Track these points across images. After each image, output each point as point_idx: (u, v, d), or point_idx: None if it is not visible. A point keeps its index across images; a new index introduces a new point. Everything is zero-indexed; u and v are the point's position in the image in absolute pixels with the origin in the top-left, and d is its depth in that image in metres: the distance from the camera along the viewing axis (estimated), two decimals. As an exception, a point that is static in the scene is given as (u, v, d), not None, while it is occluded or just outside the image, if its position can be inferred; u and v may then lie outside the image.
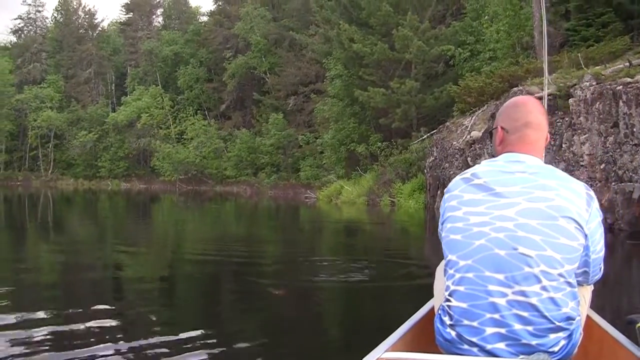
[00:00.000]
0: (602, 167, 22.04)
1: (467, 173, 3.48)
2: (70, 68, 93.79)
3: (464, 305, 3.26)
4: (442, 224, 3.49)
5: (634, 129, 20.68)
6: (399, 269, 12.91)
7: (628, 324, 3.45)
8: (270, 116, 67.11)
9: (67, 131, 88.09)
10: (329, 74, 51.87)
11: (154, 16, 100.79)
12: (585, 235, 3.23)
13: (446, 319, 3.35)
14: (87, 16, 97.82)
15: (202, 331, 7.16)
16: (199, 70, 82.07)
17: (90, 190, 71.42)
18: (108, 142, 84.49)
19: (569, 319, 3.20)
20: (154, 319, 8.17)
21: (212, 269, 12.98)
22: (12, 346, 6.43)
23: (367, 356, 3.22)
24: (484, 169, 3.44)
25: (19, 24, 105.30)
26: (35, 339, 6.70)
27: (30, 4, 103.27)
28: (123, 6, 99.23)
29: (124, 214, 36.38)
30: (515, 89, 26.41)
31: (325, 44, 51.69)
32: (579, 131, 22.93)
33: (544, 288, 3.13)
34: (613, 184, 21.78)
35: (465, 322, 3.25)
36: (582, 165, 22.70)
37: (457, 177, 3.53)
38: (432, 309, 3.86)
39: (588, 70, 23.94)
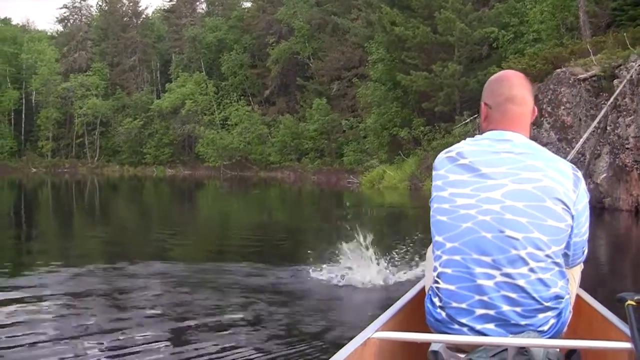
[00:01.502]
0: (648, 149, 21.46)
1: (453, 152, 3.38)
2: (115, 56, 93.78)
3: (452, 287, 3.24)
4: (430, 203, 3.42)
5: (681, 110, 20.08)
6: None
7: (618, 302, 3.34)
8: (313, 101, 66.88)
9: (112, 118, 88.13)
10: (371, 57, 51.47)
11: (197, 3, 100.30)
12: (572, 217, 3.19)
13: (436, 300, 3.33)
14: (131, 4, 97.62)
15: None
16: (243, 56, 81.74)
17: (136, 177, 71.88)
18: (153, 129, 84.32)
19: (558, 298, 3.18)
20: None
21: (257, 259, 12.60)
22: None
23: (357, 336, 3.25)
24: (470, 148, 3.34)
25: (65, 12, 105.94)
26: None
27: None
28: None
29: (170, 201, 36.84)
30: (558, 70, 25.89)
31: (367, 28, 51.52)
32: (625, 113, 22.33)
33: (531, 270, 3.11)
34: (660, 167, 21.20)
35: (454, 304, 3.23)
36: (627, 148, 22.20)
37: (442, 155, 3.43)
38: (423, 289, 3.78)
39: (634, 50, 23.26)
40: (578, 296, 3.98)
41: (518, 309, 3.12)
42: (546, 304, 3.13)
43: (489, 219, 3.15)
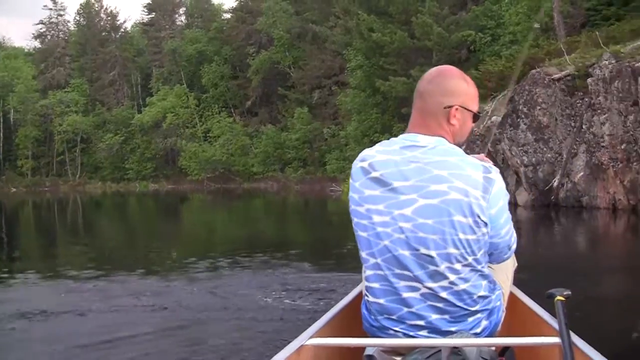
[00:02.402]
0: (623, 147, 21.60)
1: (366, 161, 3.23)
2: (95, 71, 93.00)
3: (380, 301, 3.22)
4: (350, 213, 3.31)
5: (655, 107, 20.13)
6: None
7: (547, 298, 3.35)
8: (295, 111, 66.98)
9: (93, 134, 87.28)
10: (350, 65, 51.65)
11: (176, 15, 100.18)
12: (486, 224, 3.08)
13: (369, 311, 3.32)
14: (109, 18, 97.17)
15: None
16: (223, 68, 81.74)
17: (119, 193, 71.35)
18: (135, 144, 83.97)
19: (485, 299, 3.19)
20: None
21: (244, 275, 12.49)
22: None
23: (291, 344, 3.21)
24: (380, 158, 3.20)
25: (41, 29, 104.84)
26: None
27: (51, 9, 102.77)
28: (145, 6, 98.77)
29: (154, 217, 36.32)
30: (533, 71, 25.91)
31: (346, 35, 51.48)
32: (599, 111, 22.41)
33: (452, 283, 3.09)
34: (634, 163, 21.31)
35: (384, 316, 3.22)
36: (602, 146, 22.28)
37: (358, 164, 3.28)
38: (361, 293, 3.74)
39: (607, 48, 23.34)
40: (512, 294, 4.05)
41: (447, 317, 3.14)
42: (473, 308, 3.15)
43: (404, 237, 3.11)
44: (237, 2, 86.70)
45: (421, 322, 3.15)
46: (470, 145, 28.35)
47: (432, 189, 3.05)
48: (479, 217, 3.04)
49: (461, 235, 3.04)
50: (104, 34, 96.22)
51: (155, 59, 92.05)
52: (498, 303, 3.31)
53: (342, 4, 49.32)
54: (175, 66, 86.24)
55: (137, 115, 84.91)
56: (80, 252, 18.13)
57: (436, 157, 3.11)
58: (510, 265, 3.79)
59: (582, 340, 3.13)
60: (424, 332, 3.16)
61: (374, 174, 3.17)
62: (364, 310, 3.38)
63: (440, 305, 3.12)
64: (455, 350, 2.92)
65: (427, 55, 42.79)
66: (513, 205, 26.12)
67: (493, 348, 3.06)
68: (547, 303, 3.40)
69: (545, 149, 24.81)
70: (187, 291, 10.26)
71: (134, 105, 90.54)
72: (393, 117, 46.32)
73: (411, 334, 3.18)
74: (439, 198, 3.04)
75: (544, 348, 3.41)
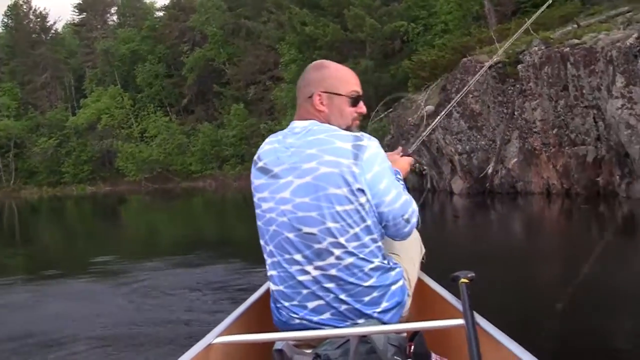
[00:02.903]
0: (554, 132, 21.77)
1: (257, 154, 3.47)
2: (26, 74, 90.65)
3: (280, 288, 3.36)
4: None
5: (584, 91, 20.35)
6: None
7: (452, 281, 3.47)
8: (231, 107, 66.66)
9: (26, 139, 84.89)
10: (284, 59, 51.47)
11: (107, 15, 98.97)
12: (363, 192, 3.19)
13: (275, 301, 3.43)
14: (38, 19, 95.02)
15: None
16: (158, 67, 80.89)
17: (56, 197, 70.17)
18: (70, 147, 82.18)
19: (378, 272, 3.27)
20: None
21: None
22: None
23: (198, 343, 3.21)
24: (267, 148, 3.44)
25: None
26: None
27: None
28: (75, 7, 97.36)
29: (90, 221, 35.90)
30: (464, 59, 25.99)
31: (279, 30, 51.27)
32: (530, 97, 22.58)
33: (338, 258, 3.19)
34: (566, 148, 21.49)
35: (287, 303, 3.33)
36: (535, 132, 22.44)
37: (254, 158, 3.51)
38: (269, 289, 3.69)
39: (536, 35, 23.48)
40: (420, 280, 4.10)
41: (342, 296, 3.23)
42: (366, 283, 3.23)
43: (287, 219, 3.25)
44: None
45: (321, 302, 3.24)
46: (405, 135, 28.48)
47: (304, 167, 3.21)
48: (354, 185, 3.14)
49: (338, 208, 3.15)
50: (34, 35, 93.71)
51: (88, 59, 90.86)
52: (400, 283, 3.38)
53: (274, -1, 49.10)
54: (109, 66, 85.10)
55: (72, 118, 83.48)
56: (13, 257, 17.89)
57: (308, 138, 3.28)
58: (416, 251, 3.95)
59: (485, 321, 3.22)
60: (326, 316, 3.25)
61: (260, 164, 3.39)
62: (271, 303, 3.49)
63: (332, 284, 3.21)
64: (364, 339, 3.00)
65: (361, 47, 42.67)
66: (449, 193, 26.26)
67: (404, 334, 3.14)
68: (453, 286, 3.48)
69: (478, 136, 24.91)
70: (110, 293, 10.19)
71: (67, 107, 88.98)
72: (328, 110, 46.19)
73: (315, 319, 3.26)
74: (311, 175, 3.19)
75: (451, 330, 3.45)
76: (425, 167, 28.43)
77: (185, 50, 76.19)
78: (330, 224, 3.16)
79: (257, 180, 3.39)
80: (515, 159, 23.63)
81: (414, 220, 3.43)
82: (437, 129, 26.20)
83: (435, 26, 40.18)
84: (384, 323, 3.27)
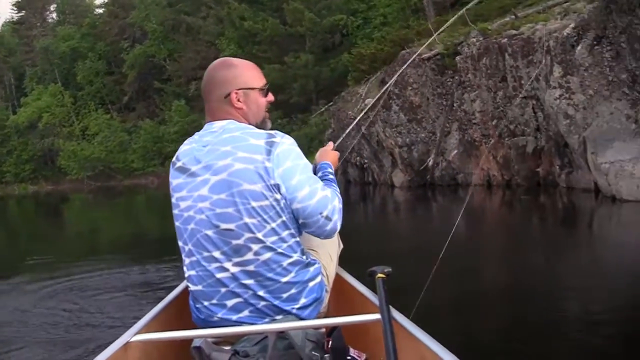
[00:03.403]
0: (494, 123, 21.77)
1: (175, 155, 3.48)
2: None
3: (199, 287, 3.32)
4: None
5: (522, 82, 20.34)
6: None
7: (369, 276, 3.50)
8: (173, 104, 65.90)
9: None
10: (223, 54, 51.06)
11: (47, 12, 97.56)
12: (278, 186, 3.20)
13: (194, 300, 3.40)
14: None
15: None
16: (98, 64, 79.98)
17: (-2, 197, 69.40)
18: (11, 146, 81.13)
19: (297, 268, 3.29)
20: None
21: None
22: None
23: (116, 341, 3.16)
24: (185, 148, 3.45)
25: None
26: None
27: None
28: (14, 5, 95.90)
29: (31, 221, 35.41)
30: (403, 51, 25.94)
31: (218, 25, 51.02)
32: (469, 88, 22.58)
33: (256, 253, 3.19)
34: (506, 139, 21.50)
35: (206, 302, 3.31)
36: (474, 123, 22.44)
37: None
38: (187, 288, 3.65)
39: (475, 26, 23.47)
40: (339, 275, 4.12)
41: (261, 293, 3.23)
42: (284, 278, 3.24)
43: (204, 216, 3.25)
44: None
45: (239, 300, 3.25)
46: (345, 129, 28.36)
47: (219, 164, 3.21)
48: (267, 181, 3.17)
49: (254, 204, 3.16)
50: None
51: (28, 58, 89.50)
52: (318, 279, 3.40)
53: (213, -6, 48.81)
54: (49, 65, 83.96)
55: (12, 117, 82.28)
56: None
57: (224, 136, 3.30)
58: (333, 246, 3.95)
59: (402, 315, 3.25)
60: (245, 314, 3.26)
61: (178, 164, 3.39)
62: (190, 302, 3.45)
63: (251, 281, 3.22)
64: (282, 335, 3.02)
65: (300, 41, 42.69)
66: (390, 186, 26.17)
67: (322, 330, 3.16)
68: (369, 281, 3.53)
69: (418, 129, 24.86)
70: (34, 294, 10.01)
71: (8, 106, 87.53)
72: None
73: (234, 317, 3.26)
74: (226, 172, 3.19)
75: (369, 325, 3.50)
76: (365, 161, 28.34)
77: (125, 47, 75.24)
78: (247, 220, 3.17)
79: (175, 180, 3.39)
80: (455, 151, 23.61)
81: (336, 217, 3.36)
82: (376, 122, 26.14)
83: (374, 19, 40.20)
84: (302, 319, 3.27)
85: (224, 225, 3.20)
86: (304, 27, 41.20)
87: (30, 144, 79.32)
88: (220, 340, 3.19)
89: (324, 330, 3.17)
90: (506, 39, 20.93)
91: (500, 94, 21.39)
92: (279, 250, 3.22)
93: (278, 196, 3.20)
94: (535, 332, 6.62)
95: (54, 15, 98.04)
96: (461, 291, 8.47)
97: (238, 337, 3.15)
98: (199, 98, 45.21)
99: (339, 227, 3.42)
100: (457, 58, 23.00)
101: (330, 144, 4.17)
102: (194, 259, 3.32)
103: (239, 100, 3.42)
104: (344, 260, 4.11)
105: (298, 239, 3.34)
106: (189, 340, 3.11)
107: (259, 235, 3.18)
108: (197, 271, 3.32)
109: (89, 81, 79.61)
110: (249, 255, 3.20)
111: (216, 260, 3.24)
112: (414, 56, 22.01)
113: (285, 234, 3.25)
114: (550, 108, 18.48)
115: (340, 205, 3.41)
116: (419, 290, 5.34)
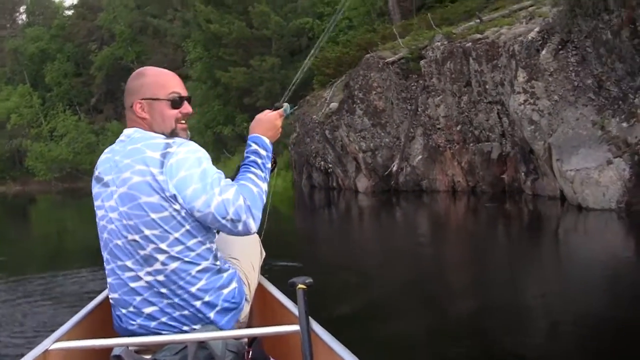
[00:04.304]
0: (458, 128, 21.56)
1: (96, 163, 3.51)
2: None
3: (116, 295, 3.36)
4: None
5: (487, 86, 20.15)
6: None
7: (290, 287, 3.53)
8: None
9: None
10: (190, 57, 51.01)
11: (16, 14, 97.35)
12: (175, 197, 3.16)
13: (113, 305, 3.43)
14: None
15: None
16: (67, 65, 79.88)
17: (-36, 197, 68.79)
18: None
19: (206, 275, 3.27)
20: None
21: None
22: None
23: (34, 349, 3.14)
24: (102, 157, 3.46)
25: None
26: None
27: None
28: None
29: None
30: (367, 55, 25.70)
31: (185, 27, 50.83)
32: (433, 93, 22.39)
33: (163, 263, 3.20)
34: (471, 145, 21.25)
35: (123, 310, 3.33)
36: (439, 129, 22.23)
37: None
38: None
39: (439, 30, 23.23)
40: (261, 286, 4.23)
41: (174, 300, 3.24)
42: (194, 287, 3.23)
43: (114, 226, 3.28)
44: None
45: (154, 309, 3.25)
46: (310, 133, 28.08)
47: (122, 177, 3.23)
48: (163, 192, 3.15)
49: (153, 215, 3.16)
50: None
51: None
52: (233, 286, 3.39)
53: (179, -4, 48.54)
54: (18, 65, 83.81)
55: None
56: None
57: (128, 147, 3.30)
58: (255, 255, 4.01)
59: (320, 327, 3.30)
60: (163, 320, 3.26)
61: (96, 173, 3.45)
62: (113, 310, 3.46)
63: (164, 289, 3.23)
64: (203, 345, 3.07)
65: (267, 44, 42.40)
66: (354, 192, 25.87)
67: (244, 340, 3.25)
68: (290, 292, 3.57)
69: (382, 133, 24.56)
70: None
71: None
72: (235, 108, 45.85)
73: (152, 325, 3.27)
74: (127, 184, 3.20)
75: (289, 336, 3.53)
76: (330, 165, 28.00)
77: (93, 49, 75.23)
78: (148, 232, 3.18)
79: (93, 189, 3.44)
80: (420, 157, 23.33)
81: (244, 217, 3.21)
82: (340, 127, 25.81)
83: (340, 23, 39.95)
84: (220, 327, 3.29)
85: (130, 237, 3.22)
86: (270, 30, 40.92)
87: (-2, 144, 78.93)
88: (142, 349, 3.21)
89: (245, 340, 3.25)
90: (470, 43, 20.70)
91: (465, 99, 21.15)
92: (186, 259, 3.22)
93: (177, 206, 3.17)
94: (493, 344, 6.40)
95: (24, 16, 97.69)
96: (403, 301, 8.23)
97: (159, 346, 3.16)
98: (164, 101, 45.43)
99: (254, 224, 3.27)
100: (422, 62, 22.77)
101: (278, 112, 3.91)
102: (110, 266, 3.37)
103: (142, 110, 3.40)
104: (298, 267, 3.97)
105: (209, 245, 3.32)
106: (110, 349, 3.13)
107: (163, 245, 3.18)
108: (113, 279, 3.36)
109: (57, 82, 79.57)
110: (157, 265, 3.21)
111: (129, 269, 3.27)
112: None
113: (191, 242, 3.23)
114: (515, 113, 18.19)
115: (250, 203, 3.24)
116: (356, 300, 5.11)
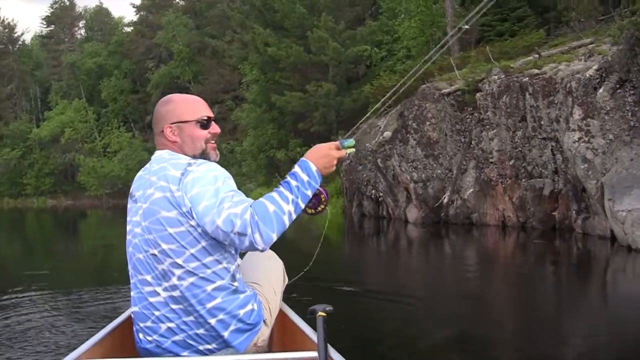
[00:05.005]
0: (511, 163, 21.36)
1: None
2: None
3: (137, 309, 3.51)
4: None
5: (542, 122, 19.98)
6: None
7: (310, 315, 3.53)
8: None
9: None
10: (246, 79, 51.32)
11: (76, 28, 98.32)
12: (190, 212, 3.30)
13: (133, 320, 3.59)
14: (6, 30, 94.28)
15: None
16: (123, 82, 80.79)
17: (16, 209, 69.58)
18: (32, 159, 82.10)
19: (223, 294, 3.41)
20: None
21: None
22: None
23: None
24: (138, 175, 3.69)
25: None
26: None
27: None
28: (43, 19, 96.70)
29: (52, 233, 35.14)
30: (423, 85, 25.60)
31: (243, 49, 51.07)
32: (487, 127, 22.23)
33: (180, 278, 3.35)
34: (523, 180, 21.07)
35: (142, 324, 3.49)
36: (491, 162, 22.03)
37: None
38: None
39: (497, 63, 23.11)
40: (283, 312, 4.29)
41: (189, 318, 3.38)
42: (210, 304, 3.38)
43: (137, 241, 3.46)
44: (137, 15, 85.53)
45: (171, 325, 3.40)
46: (362, 161, 28.01)
47: (147, 193, 3.44)
48: (180, 207, 3.31)
49: (170, 230, 3.33)
50: (0, 46, 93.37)
51: (54, 72, 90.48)
52: (249, 307, 3.53)
53: (238, 19, 48.70)
54: (75, 80, 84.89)
55: (35, 130, 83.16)
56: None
57: (154, 167, 3.53)
58: (278, 281, 4.15)
59: (338, 354, 3.34)
60: (177, 338, 3.40)
61: (131, 191, 3.65)
62: (134, 328, 3.61)
63: (179, 306, 3.38)
64: None
65: (324, 70, 42.44)
66: (403, 222, 25.74)
67: None
68: (310, 320, 3.57)
69: (435, 164, 24.40)
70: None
71: (32, 119, 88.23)
72: (289, 133, 45.96)
73: (165, 344, 3.42)
74: (150, 200, 3.41)
75: None
76: (381, 194, 27.91)
77: (150, 67, 75.82)
78: (165, 246, 3.34)
79: (128, 204, 3.65)
80: (471, 190, 23.14)
81: (250, 230, 3.19)
82: (393, 156, 25.71)
83: (398, 52, 39.95)
84: (233, 347, 3.44)
85: (150, 251, 3.39)
86: (328, 56, 40.94)
87: (52, 158, 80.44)
88: None
89: None
90: (527, 78, 20.54)
91: (519, 134, 20.96)
92: (201, 275, 3.36)
93: (193, 223, 3.31)
94: None
95: (82, 31, 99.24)
96: (442, 336, 8.09)
97: None
98: (220, 121, 45.12)
99: (261, 241, 3.22)
100: (477, 95, 22.61)
101: (334, 144, 3.74)
102: (133, 281, 3.55)
103: (173, 134, 3.62)
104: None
105: (226, 265, 3.46)
106: None
107: (179, 260, 3.33)
108: (135, 292, 3.53)
109: (113, 99, 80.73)
110: (174, 280, 3.35)
111: (149, 283, 3.43)
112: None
113: (207, 260, 3.37)
114: (568, 151, 18.00)
115: (260, 218, 3.21)
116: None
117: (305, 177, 3.46)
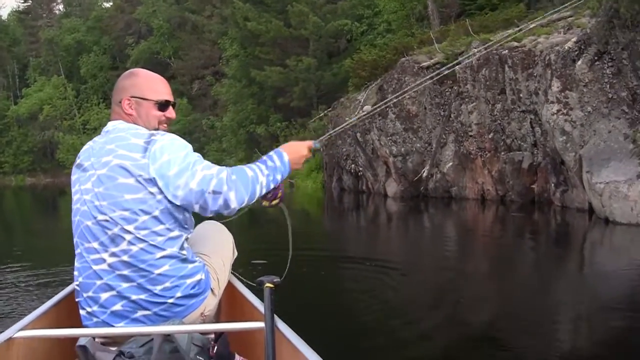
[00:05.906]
0: (490, 136, 21.37)
1: (78, 155, 3.71)
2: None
3: (81, 279, 3.47)
4: None
5: (521, 95, 19.97)
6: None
7: (258, 285, 3.61)
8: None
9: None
10: (226, 54, 51.01)
11: (54, 4, 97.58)
12: (154, 182, 3.34)
13: (79, 295, 3.53)
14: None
15: None
16: (102, 58, 79.92)
17: (-7, 187, 69.05)
18: (10, 136, 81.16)
19: (171, 262, 3.42)
20: None
21: None
22: None
23: None
24: (85, 147, 3.71)
25: None
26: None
27: None
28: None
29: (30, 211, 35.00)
30: (402, 59, 25.54)
31: (222, 24, 50.81)
32: (467, 100, 22.17)
33: (130, 243, 3.33)
34: (502, 153, 21.06)
35: (85, 294, 3.45)
36: (470, 136, 22.05)
37: None
38: None
39: (477, 37, 23.04)
40: (231, 284, 4.32)
41: (135, 283, 3.36)
42: (157, 271, 3.37)
43: (87, 208, 3.44)
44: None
45: (113, 293, 3.37)
46: (342, 136, 27.96)
47: (103, 160, 3.43)
48: (141, 176, 3.34)
49: (127, 196, 3.35)
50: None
51: (32, 48, 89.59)
52: (198, 277, 3.55)
53: (218, -8, 48.48)
54: (53, 56, 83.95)
55: (13, 107, 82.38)
56: None
57: (111, 135, 3.57)
58: (227, 253, 4.19)
59: (285, 325, 3.41)
60: (118, 307, 3.36)
61: (77, 161, 3.64)
62: (76, 297, 3.57)
63: (125, 272, 3.35)
64: (168, 338, 3.07)
65: (304, 44, 42.22)
66: (383, 196, 25.73)
67: (211, 335, 3.26)
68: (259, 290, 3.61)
69: (414, 138, 24.37)
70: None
71: (9, 96, 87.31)
72: (269, 108, 45.75)
73: (108, 311, 3.38)
74: (107, 167, 3.40)
75: (254, 333, 3.76)
76: (360, 169, 27.88)
77: (130, 43, 75.06)
78: (120, 212, 3.34)
79: (73, 176, 3.61)
80: (451, 163, 23.15)
81: (225, 188, 3.37)
82: (372, 130, 25.66)
83: (379, 26, 39.82)
84: (176, 313, 3.44)
85: (100, 217, 3.36)
86: (308, 31, 40.72)
87: (30, 135, 79.69)
88: (108, 341, 3.30)
89: (211, 335, 3.26)
90: (507, 51, 20.47)
91: (499, 107, 20.96)
92: (152, 242, 3.36)
93: (153, 189, 3.35)
94: (503, 352, 6.24)
95: (61, 6, 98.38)
96: (418, 307, 8.09)
97: (125, 338, 3.17)
98: (201, 97, 45.29)
99: (235, 199, 3.41)
100: (457, 68, 22.51)
101: (309, 143, 4.08)
102: (78, 251, 3.49)
103: (130, 107, 3.68)
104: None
105: (178, 233, 3.48)
106: (75, 339, 3.13)
107: (130, 227, 3.33)
108: (80, 263, 3.47)
109: (92, 75, 79.86)
110: (123, 245, 3.33)
111: (95, 250, 3.38)
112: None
113: (158, 228, 3.38)
114: (547, 123, 17.99)
115: (237, 177, 3.41)
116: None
117: (278, 163, 3.69)
